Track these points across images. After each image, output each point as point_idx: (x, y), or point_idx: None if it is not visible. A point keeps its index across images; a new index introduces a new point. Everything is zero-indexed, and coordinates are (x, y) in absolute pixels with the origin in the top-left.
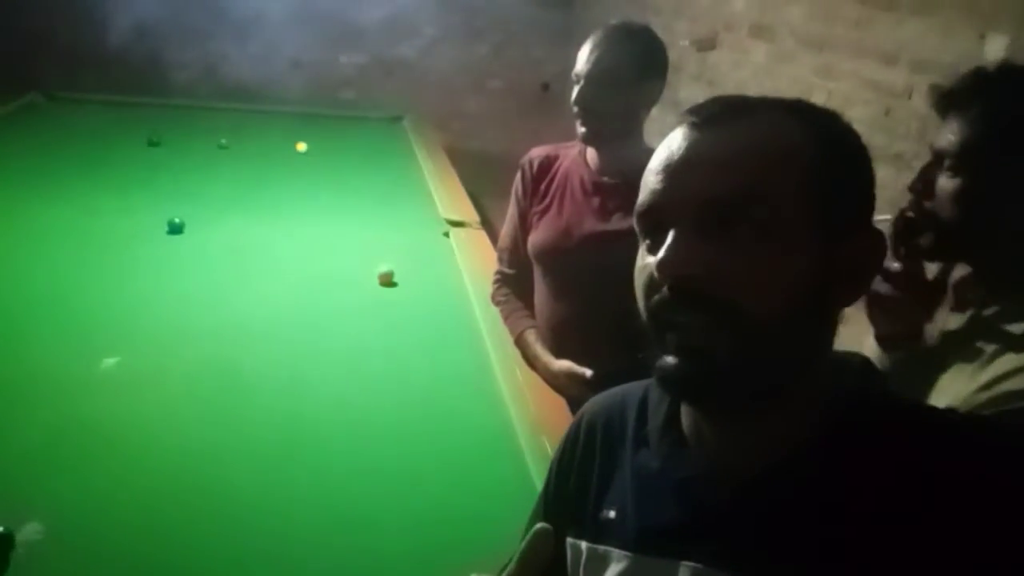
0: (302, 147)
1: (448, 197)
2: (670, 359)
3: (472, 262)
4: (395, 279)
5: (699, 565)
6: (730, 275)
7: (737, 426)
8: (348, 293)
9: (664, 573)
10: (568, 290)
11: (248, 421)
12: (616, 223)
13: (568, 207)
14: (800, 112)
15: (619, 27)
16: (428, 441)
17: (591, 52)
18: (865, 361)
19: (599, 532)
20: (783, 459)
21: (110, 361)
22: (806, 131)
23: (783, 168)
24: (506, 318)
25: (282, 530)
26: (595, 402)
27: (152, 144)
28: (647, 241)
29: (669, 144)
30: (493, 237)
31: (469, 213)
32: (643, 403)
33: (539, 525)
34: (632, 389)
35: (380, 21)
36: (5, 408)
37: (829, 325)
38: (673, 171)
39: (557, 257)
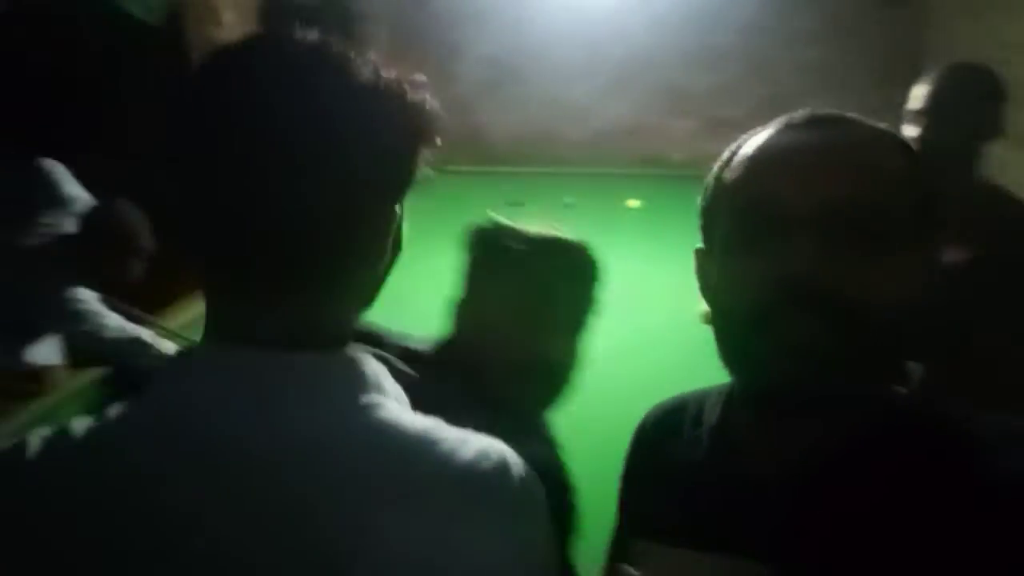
0: (634, 204)
1: None
2: (780, 362)
3: None
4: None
5: (738, 559)
6: (859, 283)
7: (801, 428)
8: (684, 328)
9: (709, 566)
10: None
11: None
12: (950, 255)
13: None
14: (888, 131)
15: (957, 64)
16: None
17: (935, 88)
18: (917, 366)
19: (654, 529)
20: (834, 461)
21: None
22: (901, 150)
23: (897, 183)
24: None
25: None
26: (656, 408)
27: (511, 204)
28: (754, 243)
29: (784, 146)
30: None
31: None
32: (700, 407)
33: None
34: (692, 395)
35: (710, 85)
36: None
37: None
38: (802, 173)
39: None
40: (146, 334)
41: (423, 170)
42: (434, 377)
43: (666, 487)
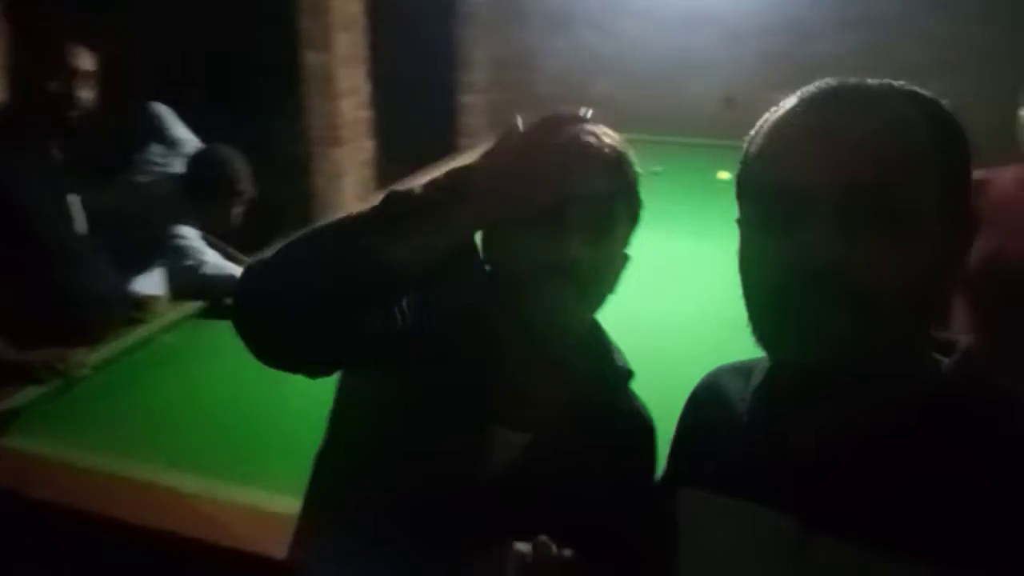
0: (724, 176)
1: None
2: (799, 341)
3: None
4: None
5: (771, 511)
6: (871, 264)
7: (833, 395)
8: None
9: (741, 517)
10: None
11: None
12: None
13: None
14: (918, 99)
15: None
16: None
17: None
18: (969, 347)
19: (698, 480)
20: (863, 425)
21: None
22: (928, 120)
23: (917, 158)
24: None
25: None
26: (715, 369)
27: None
28: (771, 221)
29: (799, 125)
30: None
31: None
32: (751, 371)
33: None
34: (751, 361)
35: (824, 56)
36: None
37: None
38: (814, 156)
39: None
40: (236, 269)
41: None
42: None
43: (712, 442)
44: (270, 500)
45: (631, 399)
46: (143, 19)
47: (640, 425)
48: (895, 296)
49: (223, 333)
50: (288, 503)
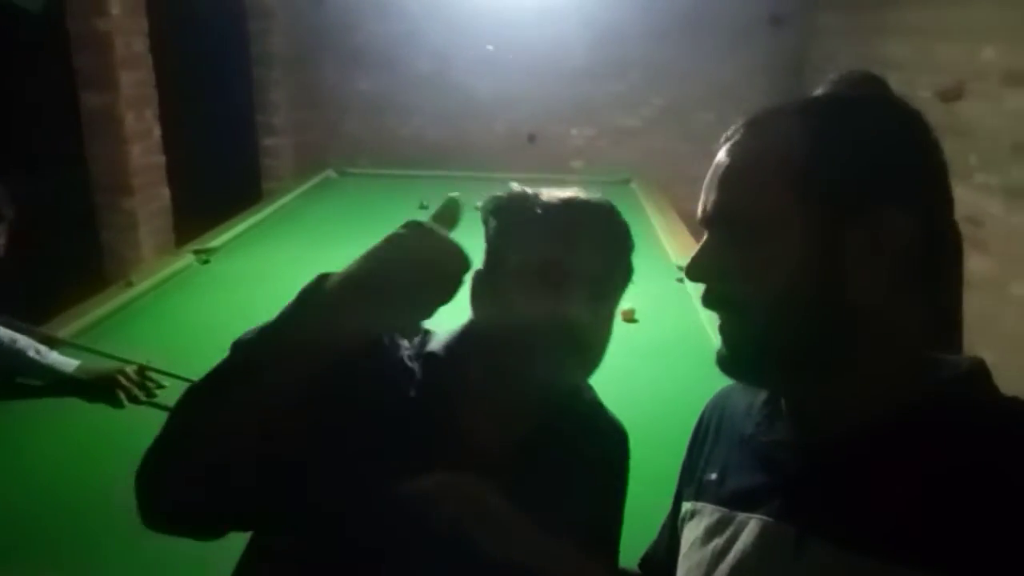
0: None
1: (679, 247)
2: (719, 358)
3: None
4: (636, 316)
5: (767, 518)
6: (730, 275)
7: (801, 401)
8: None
9: (739, 525)
10: None
11: None
12: None
13: None
14: (810, 110)
15: (849, 72)
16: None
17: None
18: (976, 363)
19: (702, 491)
20: (849, 434)
21: None
22: (808, 129)
23: (774, 173)
24: None
25: None
26: (725, 386)
27: (422, 207)
28: None
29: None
30: None
31: None
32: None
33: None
34: None
35: (610, 95)
36: None
37: (867, 311)
38: (706, 184)
39: None
40: (26, 343)
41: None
42: (457, 369)
43: (722, 456)
44: None
45: (599, 411)
46: None
47: (612, 433)
48: (767, 302)
49: (12, 416)
50: None
